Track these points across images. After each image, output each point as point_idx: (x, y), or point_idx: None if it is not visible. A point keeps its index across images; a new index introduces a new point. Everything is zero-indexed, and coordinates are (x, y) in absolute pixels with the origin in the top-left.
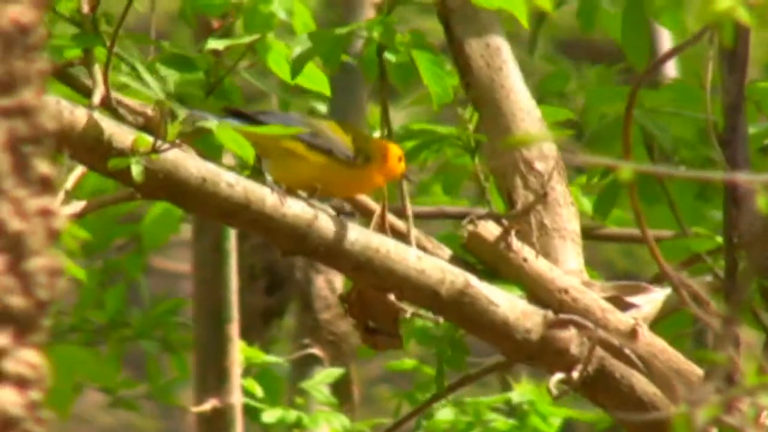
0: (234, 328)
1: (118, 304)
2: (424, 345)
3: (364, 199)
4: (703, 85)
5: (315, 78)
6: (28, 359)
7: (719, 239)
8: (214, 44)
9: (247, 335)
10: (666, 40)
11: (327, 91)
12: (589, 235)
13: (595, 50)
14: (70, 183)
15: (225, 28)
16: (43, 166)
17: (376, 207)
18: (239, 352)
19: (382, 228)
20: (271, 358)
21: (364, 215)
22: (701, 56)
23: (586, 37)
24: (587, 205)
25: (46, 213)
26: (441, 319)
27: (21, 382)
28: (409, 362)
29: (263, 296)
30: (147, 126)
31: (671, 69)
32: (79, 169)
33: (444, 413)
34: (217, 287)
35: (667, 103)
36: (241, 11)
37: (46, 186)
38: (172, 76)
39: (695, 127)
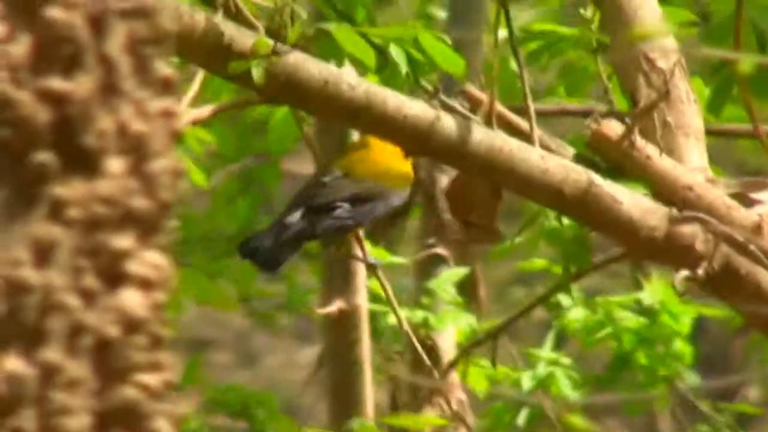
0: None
1: (250, 213)
2: (552, 245)
3: (476, 91)
4: None
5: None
6: (152, 261)
7: None
8: None
9: (371, 236)
10: None
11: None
12: (708, 131)
13: None
14: (195, 86)
15: None
16: (163, 68)
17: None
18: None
19: (488, 122)
20: (396, 258)
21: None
22: None
23: None
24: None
25: (167, 114)
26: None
27: (146, 284)
28: (539, 262)
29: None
30: (272, 30)
31: None
32: (202, 73)
33: (575, 312)
34: None
35: None
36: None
37: (167, 87)
38: None
39: None
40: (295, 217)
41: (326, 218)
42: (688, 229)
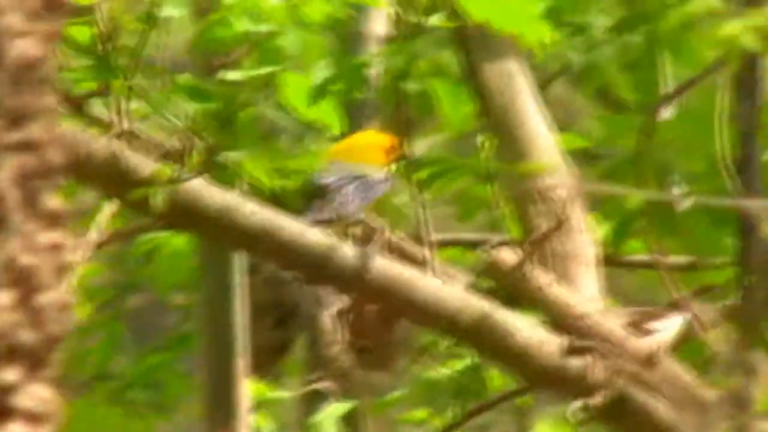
0: (242, 364)
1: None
2: (432, 397)
3: (372, 220)
4: (715, 115)
5: (328, 113)
6: (39, 394)
7: (733, 269)
8: (232, 75)
9: (256, 371)
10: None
11: (338, 128)
12: (606, 261)
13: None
14: (103, 219)
15: (233, 63)
16: (52, 201)
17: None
18: (248, 388)
19: (383, 251)
20: (279, 394)
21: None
22: (713, 86)
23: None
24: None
25: (56, 247)
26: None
27: (32, 418)
28: (419, 414)
29: (272, 331)
30: (169, 157)
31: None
32: (112, 206)
33: None
34: (224, 323)
35: (679, 134)
36: (254, 45)
37: (56, 220)
38: (189, 106)
39: (708, 159)
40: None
41: (343, 202)
42: (582, 359)
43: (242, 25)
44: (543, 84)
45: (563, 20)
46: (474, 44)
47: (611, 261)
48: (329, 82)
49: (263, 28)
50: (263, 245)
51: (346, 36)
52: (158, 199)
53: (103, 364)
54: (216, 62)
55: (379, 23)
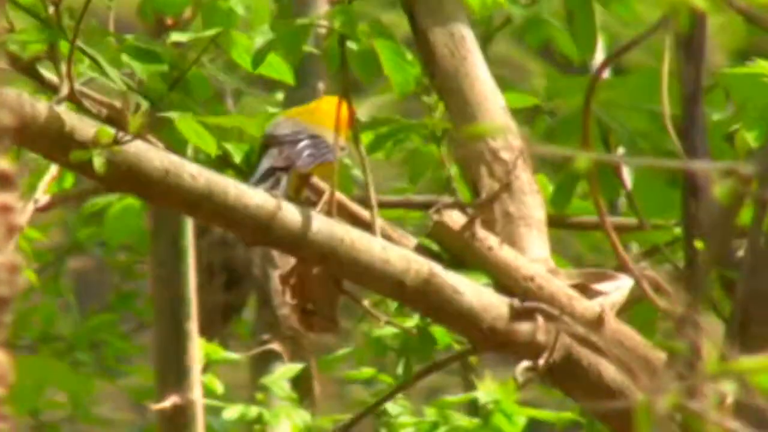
0: (193, 325)
1: (49, 316)
2: (380, 355)
3: (319, 183)
4: (660, 75)
5: (278, 67)
6: None
7: (679, 230)
8: (178, 37)
9: (206, 332)
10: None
11: (290, 79)
12: (552, 223)
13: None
14: (45, 183)
15: (182, 24)
16: (1, 162)
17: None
18: (198, 348)
19: (329, 214)
20: (230, 355)
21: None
22: (658, 46)
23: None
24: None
25: (5, 209)
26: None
27: None
28: (366, 372)
29: (222, 293)
30: (114, 119)
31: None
32: (54, 170)
33: (404, 419)
34: (176, 285)
35: (624, 94)
36: (200, 7)
37: (6, 182)
38: (137, 67)
39: (653, 119)
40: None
41: (297, 151)
42: (529, 321)
43: None
44: (485, 39)
45: None
46: (420, 5)
47: (558, 222)
48: (273, 43)
49: None
50: (206, 208)
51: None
52: (99, 161)
53: (47, 326)
54: (164, 24)
55: None
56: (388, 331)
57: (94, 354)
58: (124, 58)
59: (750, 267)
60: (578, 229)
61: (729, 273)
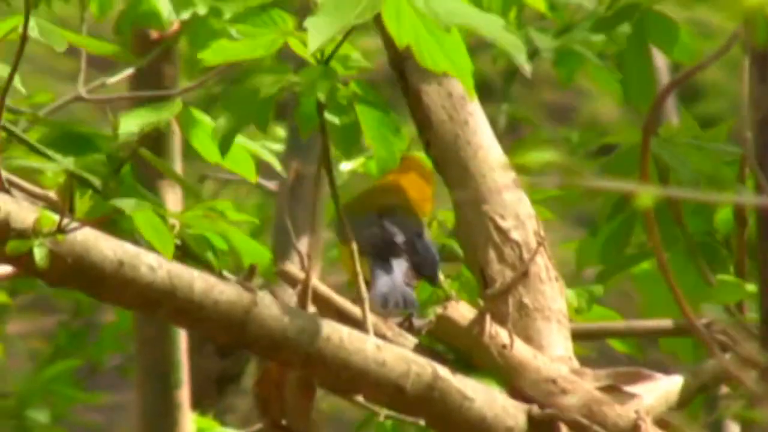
0: (184, 395)
1: None
2: None
3: (296, 271)
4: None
5: (240, 160)
6: None
7: (750, 287)
8: (127, 128)
9: (199, 403)
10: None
11: (253, 176)
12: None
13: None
14: None
15: (166, 42)
16: None
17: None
18: (191, 422)
19: (303, 306)
20: (227, 430)
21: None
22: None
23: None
24: (573, 298)
25: None
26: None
27: None
28: None
29: (216, 358)
30: (56, 208)
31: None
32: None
33: None
34: (163, 347)
35: (685, 133)
36: (188, 25)
37: None
38: (68, 162)
39: (716, 159)
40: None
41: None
42: (552, 430)
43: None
44: (507, 77)
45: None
46: (413, 62)
47: (584, 332)
48: (235, 127)
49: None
50: (169, 305)
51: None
52: (40, 253)
53: None
54: (148, 39)
55: None
56: None
57: (47, 410)
58: (53, 152)
59: None
60: (603, 337)
61: None
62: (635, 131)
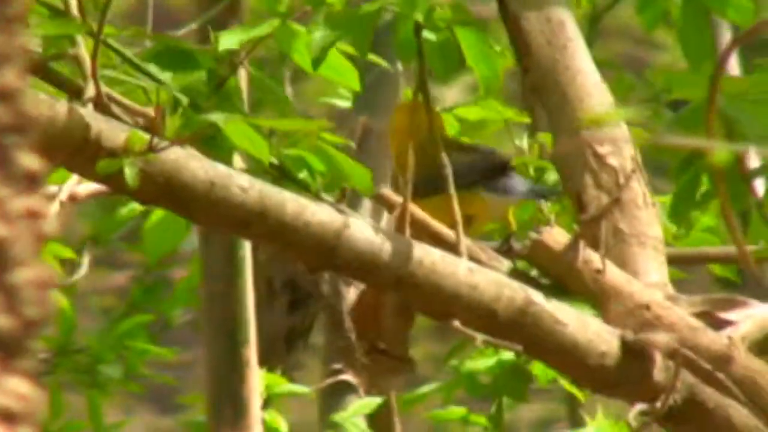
0: (251, 352)
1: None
2: (473, 394)
3: (393, 195)
4: None
5: (341, 69)
6: (16, 389)
7: None
8: (227, 43)
9: (267, 360)
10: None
11: (356, 84)
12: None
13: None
14: (63, 194)
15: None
16: (28, 160)
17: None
18: (258, 379)
19: (401, 228)
20: (296, 387)
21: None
22: None
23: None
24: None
25: (33, 215)
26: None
27: (8, 417)
28: (457, 411)
29: (285, 314)
30: (147, 128)
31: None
32: (73, 179)
33: None
34: (231, 303)
35: (754, 88)
36: None
37: (33, 183)
38: (167, 78)
39: None
40: None
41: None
42: (645, 356)
43: None
44: (593, 19)
45: None
46: None
47: (679, 256)
48: (332, 39)
49: None
50: (259, 227)
51: None
52: (131, 172)
53: (66, 337)
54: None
55: None
56: (480, 364)
57: (120, 365)
58: (152, 68)
59: None
60: (707, 262)
61: None
62: (702, 87)
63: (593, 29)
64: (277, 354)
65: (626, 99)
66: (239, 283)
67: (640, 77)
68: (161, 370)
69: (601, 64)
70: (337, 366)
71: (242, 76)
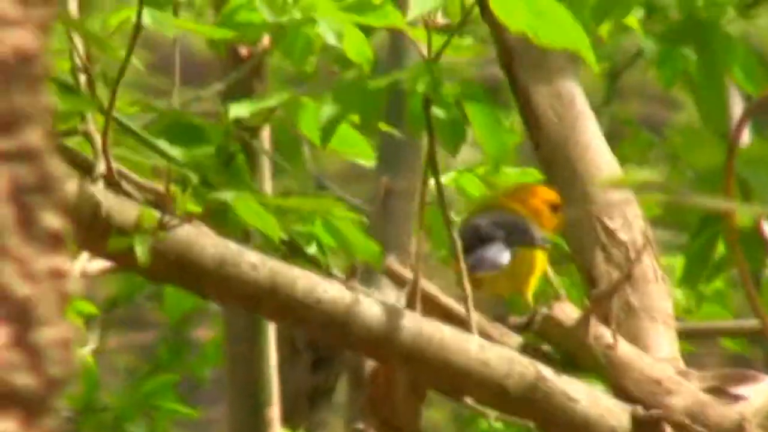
0: (274, 412)
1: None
2: None
3: (401, 269)
4: None
5: (353, 141)
6: None
7: None
8: (238, 111)
9: (290, 418)
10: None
11: (370, 156)
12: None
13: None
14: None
15: (258, 56)
16: (51, 220)
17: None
18: None
19: (412, 304)
20: None
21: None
22: None
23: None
24: (681, 298)
25: (56, 275)
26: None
27: None
28: None
29: (308, 373)
30: (158, 205)
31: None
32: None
33: None
34: (253, 364)
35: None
36: (280, 34)
37: (56, 242)
38: (175, 153)
39: None
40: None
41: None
42: (656, 431)
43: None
44: (612, 76)
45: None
46: (521, 61)
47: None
48: (340, 114)
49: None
50: (270, 303)
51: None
52: (142, 250)
53: (90, 394)
54: (238, 56)
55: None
56: None
57: (145, 424)
58: (162, 143)
59: None
60: (719, 336)
61: None
62: (718, 151)
63: (611, 87)
64: (301, 413)
65: (644, 157)
66: (262, 344)
67: (657, 135)
68: (188, 428)
69: (619, 122)
70: (360, 426)
71: (265, 137)
